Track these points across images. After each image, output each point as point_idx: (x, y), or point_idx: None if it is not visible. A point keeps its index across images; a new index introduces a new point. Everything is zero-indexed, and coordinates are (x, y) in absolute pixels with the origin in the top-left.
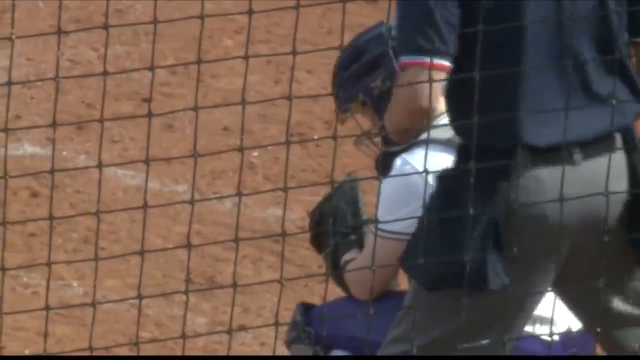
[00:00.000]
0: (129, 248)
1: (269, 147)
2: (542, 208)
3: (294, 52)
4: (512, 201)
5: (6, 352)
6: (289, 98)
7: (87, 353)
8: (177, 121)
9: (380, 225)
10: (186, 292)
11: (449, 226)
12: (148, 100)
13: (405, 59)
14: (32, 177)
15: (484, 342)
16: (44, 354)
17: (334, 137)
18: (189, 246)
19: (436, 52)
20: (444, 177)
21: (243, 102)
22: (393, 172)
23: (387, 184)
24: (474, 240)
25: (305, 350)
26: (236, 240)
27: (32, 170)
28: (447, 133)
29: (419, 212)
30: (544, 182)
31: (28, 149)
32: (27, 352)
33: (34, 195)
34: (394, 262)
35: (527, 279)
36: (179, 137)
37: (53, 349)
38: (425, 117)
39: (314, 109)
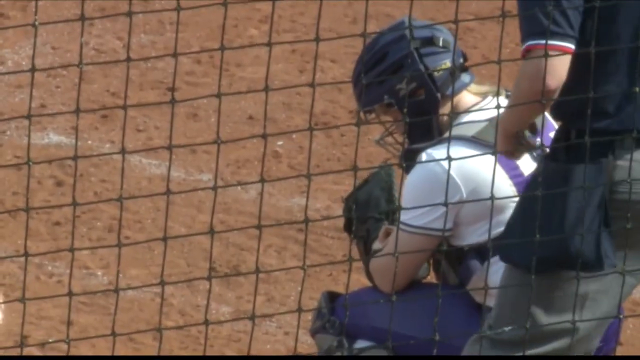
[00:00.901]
0: (154, 237)
1: (294, 136)
2: None
3: (317, 39)
4: (617, 182)
5: (30, 341)
6: (312, 85)
7: (110, 340)
8: (201, 110)
9: (403, 220)
10: (209, 279)
11: (555, 208)
12: (172, 89)
13: (533, 43)
14: (57, 166)
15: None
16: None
17: (357, 124)
18: (211, 232)
19: (564, 36)
20: (547, 160)
21: (266, 89)
22: (418, 167)
23: (412, 179)
24: (585, 221)
25: (329, 339)
26: (259, 227)
27: (57, 158)
28: (472, 130)
29: (443, 207)
30: None
31: (53, 137)
32: (50, 341)
33: (59, 184)
34: (418, 257)
35: (627, 259)
36: (204, 126)
37: (77, 337)
38: (553, 97)
39: (338, 98)
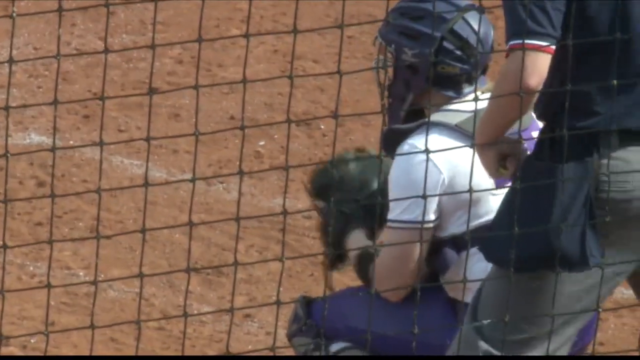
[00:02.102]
0: (135, 237)
1: (276, 136)
2: (629, 188)
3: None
4: (602, 181)
5: (12, 342)
6: (290, 77)
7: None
8: (183, 110)
9: (393, 217)
10: (187, 270)
11: (540, 206)
12: (155, 89)
13: (515, 42)
14: (38, 167)
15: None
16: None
17: (335, 116)
18: (190, 224)
19: (545, 35)
20: (531, 159)
21: (244, 81)
22: (399, 160)
23: (395, 174)
24: (570, 219)
25: (306, 342)
26: (238, 219)
27: (38, 159)
28: (456, 119)
29: (428, 200)
30: (632, 162)
31: (35, 138)
32: (32, 341)
33: (41, 184)
34: (416, 252)
35: (612, 258)
36: (186, 126)
37: (58, 339)
38: (534, 97)
39: (320, 99)
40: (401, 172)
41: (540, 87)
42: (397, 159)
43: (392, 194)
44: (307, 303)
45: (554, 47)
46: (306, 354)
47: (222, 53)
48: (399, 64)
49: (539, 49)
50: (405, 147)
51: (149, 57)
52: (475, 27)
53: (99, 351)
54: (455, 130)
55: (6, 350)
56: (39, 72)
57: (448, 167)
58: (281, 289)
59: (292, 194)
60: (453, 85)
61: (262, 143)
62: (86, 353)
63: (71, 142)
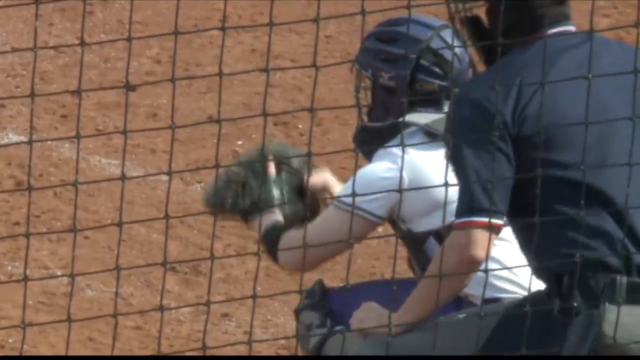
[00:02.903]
0: (113, 237)
1: (253, 136)
2: (632, 347)
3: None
4: (604, 336)
5: None
6: (265, 70)
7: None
8: (161, 110)
9: (337, 195)
10: (164, 264)
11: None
12: (134, 88)
13: (465, 219)
14: (16, 166)
15: None
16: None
17: (310, 110)
18: (166, 217)
19: (495, 213)
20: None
21: (220, 73)
22: (374, 159)
23: (362, 169)
24: None
25: (313, 316)
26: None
27: (17, 159)
28: (426, 119)
29: (382, 193)
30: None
31: (13, 137)
32: (10, 341)
33: (19, 184)
34: (341, 237)
35: None
36: (164, 125)
37: (36, 338)
38: (478, 267)
39: (298, 99)
40: (366, 168)
41: (483, 262)
42: (374, 159)
43: (350, 180)
44: (324, 287)
45: (501, 222)
46: (310, 327)
47: (200, 52)
48: (376, 88)
49: (486, 225)
50: (380, 152)
51: (127, 57)
52: (450, 43)
53: (77, 350)
54: (426, 130)
55: None
56: (17, 72)
57: (410, 170)
58: (259, 288)
59: None
60: (433, 103)
61: (240, 142)
62: (63, 352)
63: (49, 141)
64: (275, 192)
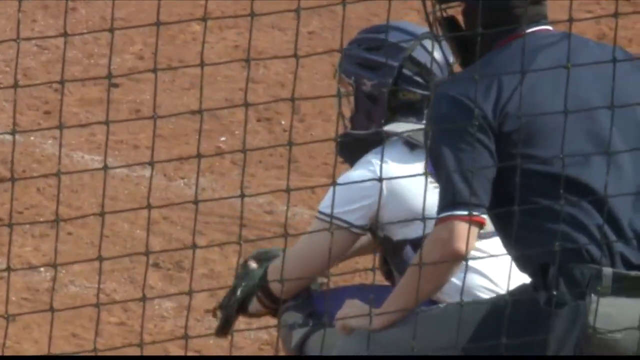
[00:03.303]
0: (97, 232)
1: (236, 132)
2: (617, 337)
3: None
4: (589, 327)
5: None
6: (247, 60)
7: (53, 337)
8: (144, 106)
9: (319, 208)
10: (147, 254)
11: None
12: (117, 85)
13: (447, 214)
14: None
15: None
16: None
17: (292, 98)
18: (149, 207)
19: (477, 206)
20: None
21: (202, 64)
22: (361, 166)
23: (343, 176)
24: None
25: (296, 317)
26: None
27: None
28: (406, 127)
29: (360, 202)
30: (626, 309)
31: None
32: None
33: (1, 180)
34: (324, 251)
35: None
36: (146, 121)
37: (20, 334)
38: (460, 263)
39: (281, 94)
40: (345, 176)
41: (466, 255)
42: (355, 167)
43: (330, 190)
44: (308, 291)
45: (484, 216)
46: (293, 327)
47: (183, 49)
48: (359, 95)
49: (468, 219)
50: (360, 160)
51: (108, 52)
52: (433, 53)
53: (60, 346)
54: (407, 141)
55: None
56: (0, 69)
57: (388, 184)
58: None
59: (253, 189)
60: (415, 112)
61: (223, 139)
62: (46, 348)
63: (32, 137)
64: (259, 272)
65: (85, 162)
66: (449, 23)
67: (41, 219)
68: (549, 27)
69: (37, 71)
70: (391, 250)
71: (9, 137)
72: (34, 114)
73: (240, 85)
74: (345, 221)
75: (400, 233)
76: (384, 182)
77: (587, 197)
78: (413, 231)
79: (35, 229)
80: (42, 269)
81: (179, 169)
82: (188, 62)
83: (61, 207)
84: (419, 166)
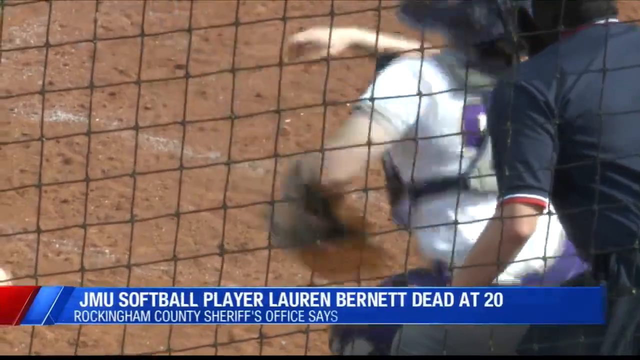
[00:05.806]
0: (162, 214)
1: (302, 114)
2: None
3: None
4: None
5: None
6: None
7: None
8: (210, 88)
9: (361, 98)
10: (221, 253)
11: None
12: (182, 66)
13: (509, 196)
14: (65, 144)
15: None
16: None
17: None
18: (224, 207)
19: (539, 190)
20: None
21: (280, 64)
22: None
23: (385, 73)
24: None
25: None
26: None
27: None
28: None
29: (407, 99)
30: None
31: (61, 115)
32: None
33: (67, 162)
34: (364, 134)
35: None
36: (212, 104)
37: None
38: (524, 243)
39: (347, 77)
40: (386, 78)
41: (530, 237)
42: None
43: (372, 84)
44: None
45: (545, 200)
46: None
47: (248, 31)
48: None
49: (533, 202)
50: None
51: (175, 35)
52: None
53: (128, 331)
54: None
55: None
56: (66, 50)
57: (428, 98)
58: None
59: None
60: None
61: (288, 121)
62: (111, 330)
63: (97, 119)
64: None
65: (151, 144)
66: (520, 13)
67: (106, 201)
68: (616, 20)
69: (102, 53)
70: (394, 196)
71: (73, 118)
72: (99, 96)
73: (306, 67)
74: (387, 110)
75: (414, 168)
76: (428, 101)
77: None
78: (425, 171)
79: (100, 211)
80: (107, 250)
81: (243, 150)
82: (253, 44)
83: (127, 189)
84: (459, 105)
